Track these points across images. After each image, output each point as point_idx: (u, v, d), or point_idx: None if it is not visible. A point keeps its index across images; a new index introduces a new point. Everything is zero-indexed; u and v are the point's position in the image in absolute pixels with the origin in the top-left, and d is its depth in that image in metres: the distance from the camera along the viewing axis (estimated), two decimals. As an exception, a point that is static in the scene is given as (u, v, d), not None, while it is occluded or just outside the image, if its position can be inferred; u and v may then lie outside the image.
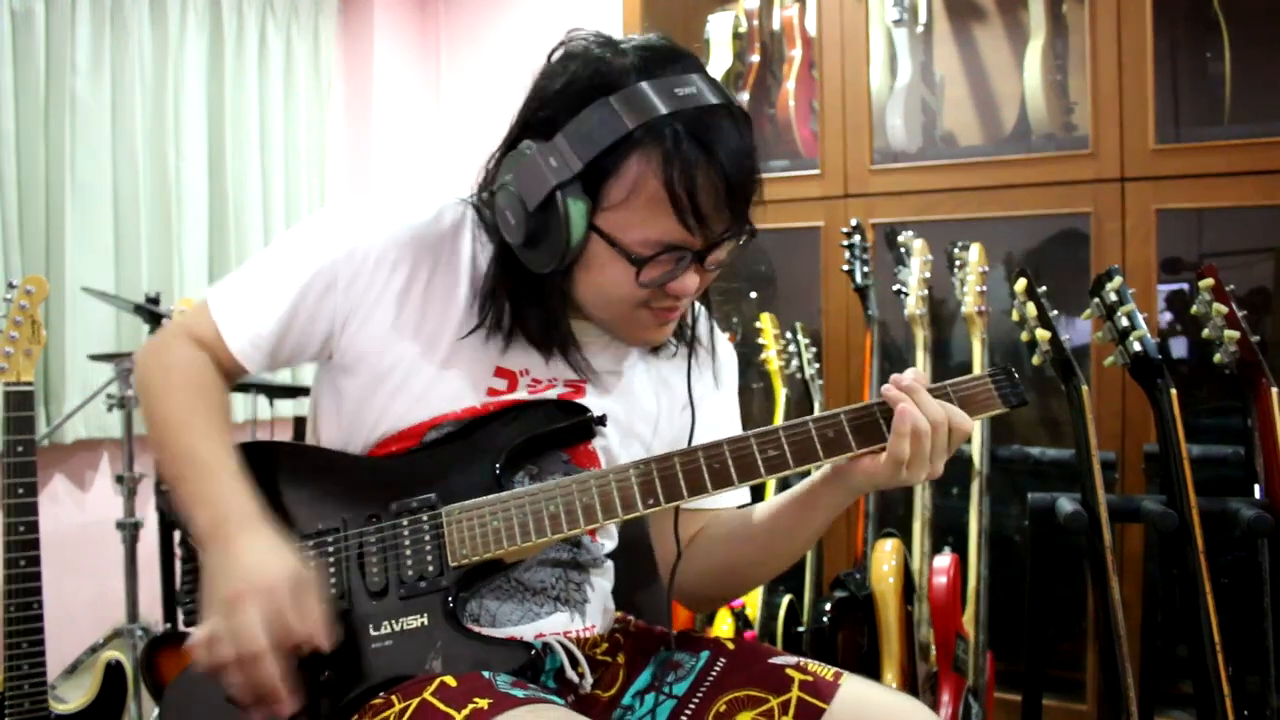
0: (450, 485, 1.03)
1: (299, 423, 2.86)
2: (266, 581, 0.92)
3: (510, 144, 1.03)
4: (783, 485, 2.31)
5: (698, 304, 1.22)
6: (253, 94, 3.12)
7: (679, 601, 1.23)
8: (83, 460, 2.84)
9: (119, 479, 2.36)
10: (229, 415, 1.11)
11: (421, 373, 1.06)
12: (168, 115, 2.89)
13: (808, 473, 1.06)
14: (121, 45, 2.80)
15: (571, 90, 0.97)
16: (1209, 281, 1.77)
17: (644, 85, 0.95)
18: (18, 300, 1.86)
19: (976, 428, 2.14)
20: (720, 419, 1.21)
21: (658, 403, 1.17)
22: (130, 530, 2.33)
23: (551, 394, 1.09)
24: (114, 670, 1.95)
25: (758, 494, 1.22)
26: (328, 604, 0.96)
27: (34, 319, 1.87)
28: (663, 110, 0.93)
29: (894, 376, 1.01)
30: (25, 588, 1.80)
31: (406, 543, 1.01)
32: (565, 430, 1.07)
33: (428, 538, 1.01)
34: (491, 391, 1.07)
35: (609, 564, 1.19)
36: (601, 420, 1.07)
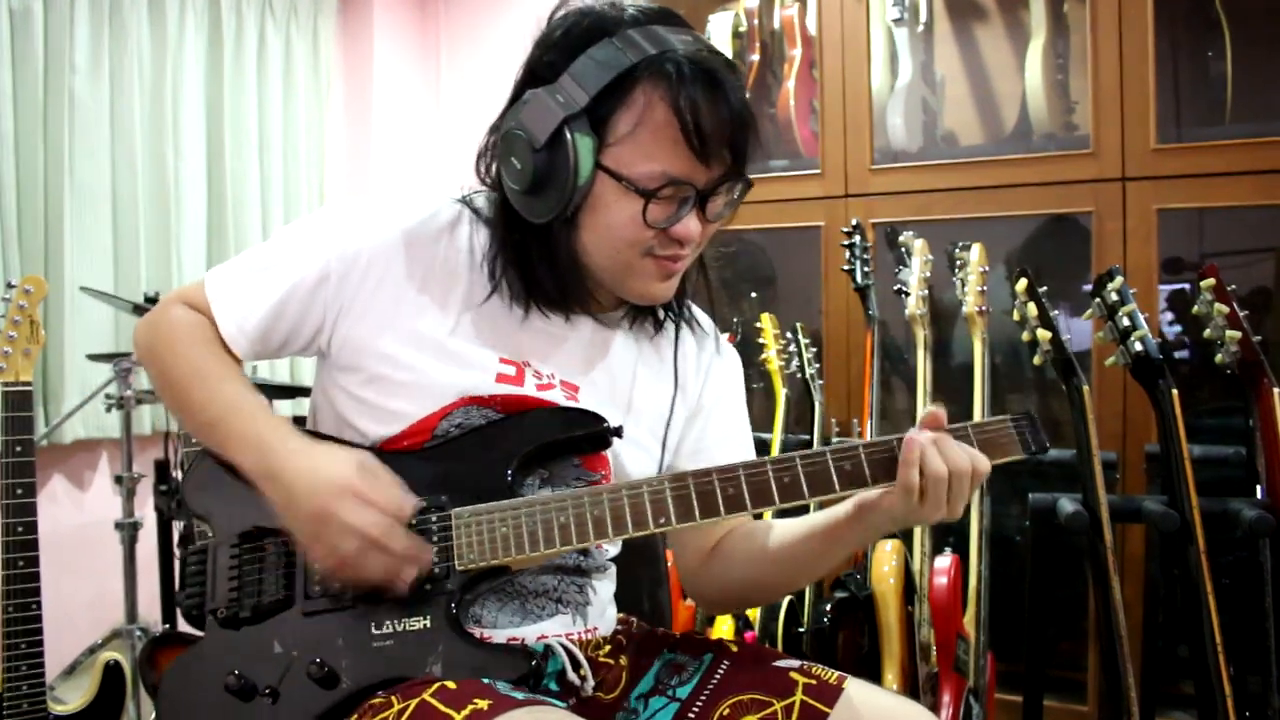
0: (461, 486, 1.02)
1: (298, 423, 2.85)
2: (338, 480, 0.96)
3: (513, 100, 1.04)
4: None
5: (699, 309, 1.22)
6: (251, 94, 3.11)
7: (702, 607, 1.23)
8: (81, 460, 2.84)
9: (118, 479, 2.36)
10: (240, 367, 1.12)
11: (426, 366, 1.05)
12: (166, 115, 2.89)
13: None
14: (120, 45, 2.79)
15: (574, 34, 0.99)
16: (1210, 281, 1.76)
17: (646, 27, 0.98)
18: (16, 300, 1.86)
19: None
20: (731, 428, 1.22)
21: (657, 399, 1.17)
22: (129, 530, 2.32)
23: (550, 394, 1.09)
24: (113, 671, 1.95)
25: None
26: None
27: (33, 319, 1.87)
28: (666, 47, 0.96)
29: (921, 421, 1.01)
30: (24, 588, 1.79)
31: None
32: (581, 439, 1.07)
33: (435, 539, 1.00)
34: (501, 378, 1.07)
35: (611, 568, 1.18)
36: (618, 432, 1.07)
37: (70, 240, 2.66)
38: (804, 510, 1.11)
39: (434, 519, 1.01)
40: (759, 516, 1.21)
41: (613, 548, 1.19)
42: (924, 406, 2.13)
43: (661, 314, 1.16)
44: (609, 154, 0.98)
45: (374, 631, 0.99)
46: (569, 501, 1.00)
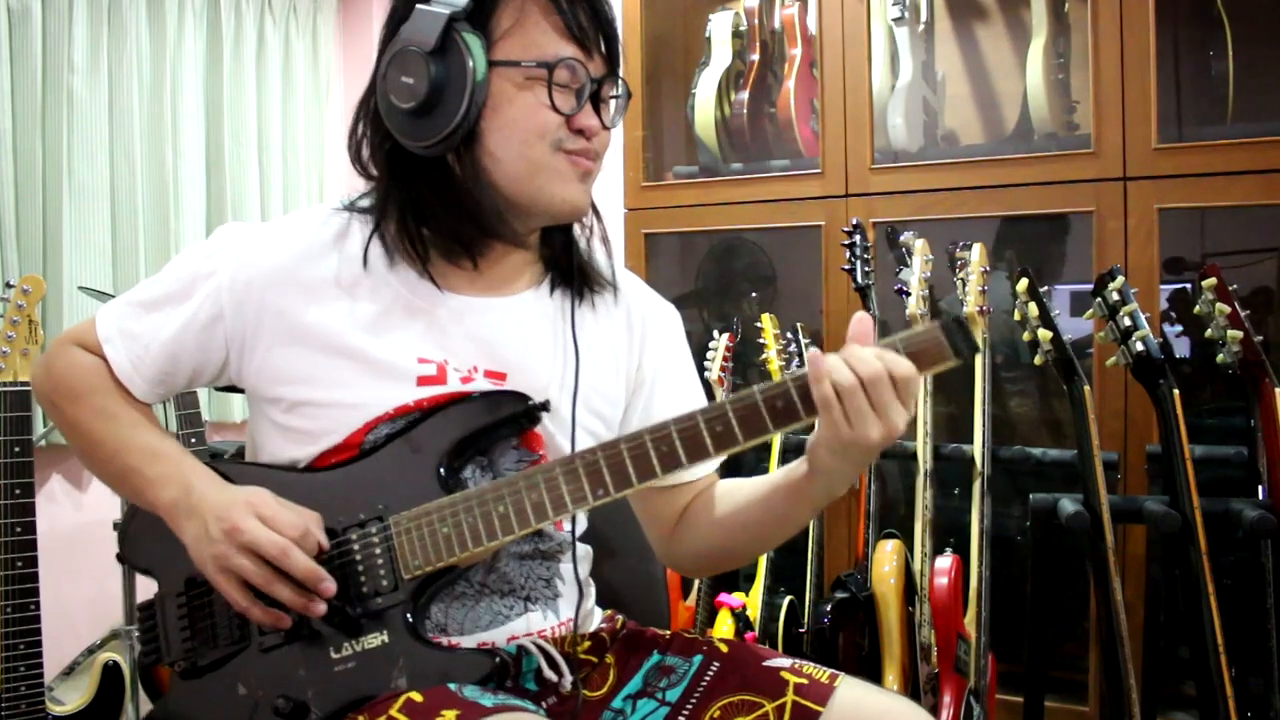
0: (396, 492, 1.00)
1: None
2: (246, 499, 0.97)
3: (387, 42, 1.03)
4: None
5: (631, 274, 1.20)
6: (251, 93, 3.11)
7: (678, 572, 1.21)
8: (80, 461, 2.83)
9: (117, 479, 2.35)
10: (150, 411, 1.10)
11: (346, 382, 1.03)
12: (165, 114, 2.88)
13: (768, 445, 1.03)
14: (119, 44, 2.79)
15: None
16: (1212, 281, 1.76)
17: None
18: (15, 300, 1.86)
19: (978, 426, 2.14)
20: (679, 392, 1.18)
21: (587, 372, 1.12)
22: (128, 531, 2.32)
23: (473, 386, 1.05)
24: (111, 671, 1.95)
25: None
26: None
27: (31, 319, 1.87)
28: None
29: (849, 333, 0.96)
30: (22, 589, 1.79)
31: (358, 559, 0.99)
32: (506, 421, 1.04)
33: (378, 551, 0.99)
34: (423, 380, 1.04)
35: (579, 548, 1.15)
36: (545, 406, 1.04)
37: (69, 240, 2.66)
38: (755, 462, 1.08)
39: (374, 530, 0.99)
40: (726, 473, 1.18)
41: (576, 526, 1.15)
42: (924, 406, 2.13)
43: (579, 283, 1.13)
44: (498, 49, 1.00)
45: (334, 655, 0.97)
46: (504, 490, 0.97)
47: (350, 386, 1.03)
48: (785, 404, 0.94)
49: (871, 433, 0.91)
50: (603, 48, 1.04)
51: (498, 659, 0.98)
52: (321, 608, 0.96)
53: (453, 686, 0.93)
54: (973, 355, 0.95)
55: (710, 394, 2.38)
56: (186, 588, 1.04)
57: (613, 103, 1.07)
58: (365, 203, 1.10)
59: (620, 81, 1.07)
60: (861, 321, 0.96)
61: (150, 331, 1.06)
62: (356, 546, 0.99)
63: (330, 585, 0.96)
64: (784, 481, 1.06)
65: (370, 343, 1.04)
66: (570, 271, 1.13)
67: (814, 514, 1.09)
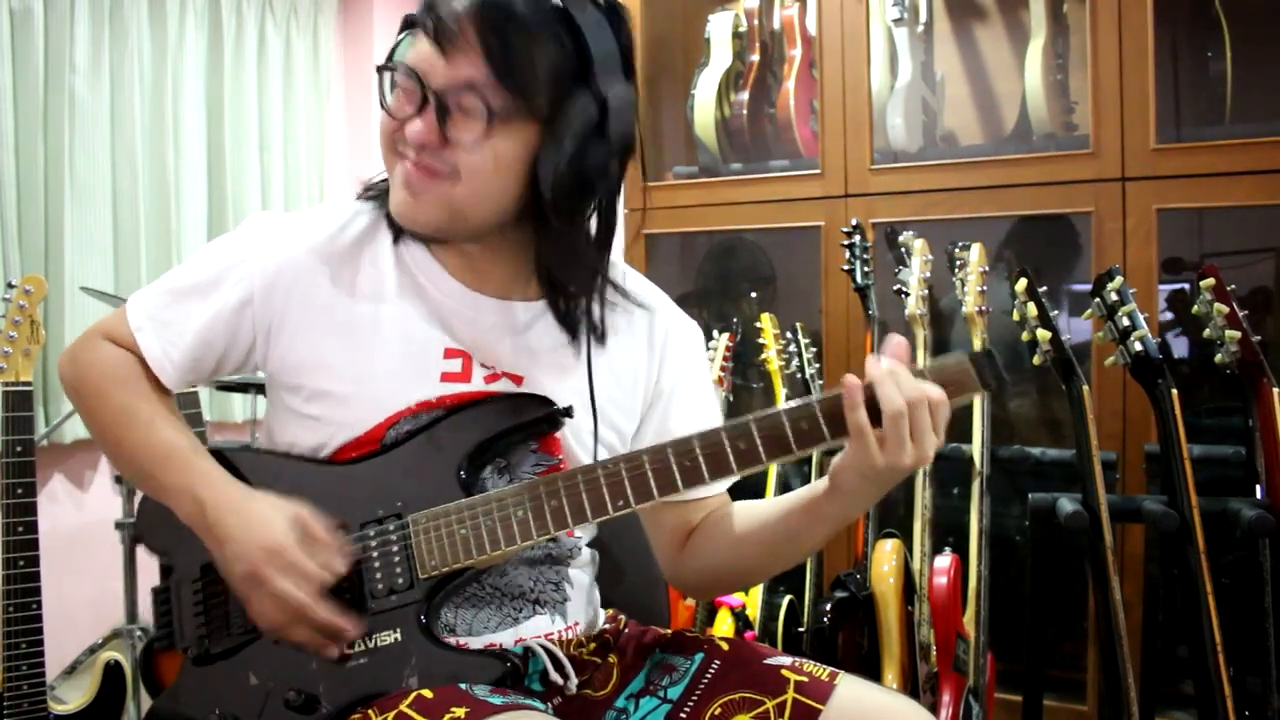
0: (415, 490, 1.00)
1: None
2: (269, 544, 0.95)
3: None
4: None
5: (648, 283, 1.19)
6: (252, 94, 3.11)
7: (681, 592, 1.20)
8: (82, 460, 2.84)
9: (118, 479, 2.36)
10: (172, 404, 1.11)
11: (370, 375, 1.03)
12: (167, 115, 2.89)
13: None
14: (120, 45, 2.79)
15: None
16: (1210, 281, 1.77)
17: None
18: (16, 300, 1.86)
19: (977, 426, 2.14)
20: (696, 407, 1.17)
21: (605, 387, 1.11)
22: (129, 530, 2.32)
23: (497, 385, 1.06)
24: (113, 670, 1.95)
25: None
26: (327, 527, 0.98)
27: (33, 319, 1.87)
28: None
29: (869, 359, 0.96)
30: (24, 588, 1.80)
31: (374, 555, 0.99)
32: (529, 425, 1.04)
33: (395, 549, 0.99)
34: (446, 376, 1.04)
35: (587, 554, 1.15)
36: (568, 412, 1.04)
37: (70, 240, 2.67)
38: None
39: (392, 528, 1.00)
40: (737, 494, 1.18)
41: (586, 534, 1.15)
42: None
43: (583, 298, 1.08)
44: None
45: (346, 651, 0.97)
46: (525, 494, 0.98)
47: (374, 379, 1.03)
48: (810, 425, 0.95)
49: (905, 459, 0.93)
50: (477, 47, 0.92)
51: (509, 663, 0.98)
52: (335, 652, 0.97)
53: (463, 686, 0.94)
54: (1000, 387, 0.96)
55: (710, 394, 2.38)
56: (202, 574, 1.04)
57: (470, 113, 0.94)
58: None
59: (505, 92, 0.93)
60: (900, 345, 0.97)
61: (182, 319, 1.07)
62: (374, 543, 1.00)
63: (356, 629, 0.97)
64: (801, 501, 1.06)
65: (396, 334, 1.04)
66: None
67: (830, 535, 1.07)
